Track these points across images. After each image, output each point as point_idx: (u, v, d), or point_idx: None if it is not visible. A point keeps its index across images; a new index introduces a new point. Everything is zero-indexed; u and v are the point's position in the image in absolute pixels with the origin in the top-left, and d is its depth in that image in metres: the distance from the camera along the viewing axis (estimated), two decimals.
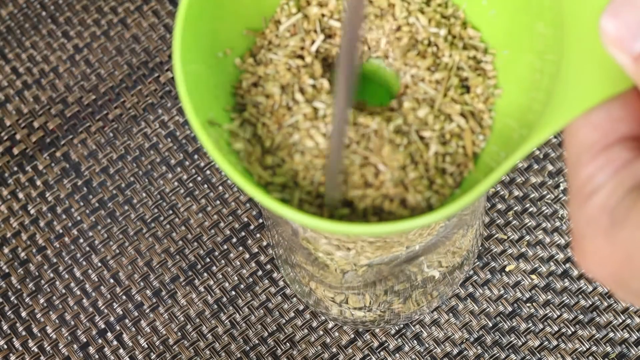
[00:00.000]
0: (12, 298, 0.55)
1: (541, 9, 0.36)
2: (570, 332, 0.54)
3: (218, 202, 0.56)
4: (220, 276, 0.55)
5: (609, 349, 0.53)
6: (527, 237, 0.55)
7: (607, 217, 0.29)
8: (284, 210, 0.34)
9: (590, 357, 0.53)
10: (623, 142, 0.30)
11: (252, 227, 0.56)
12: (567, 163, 0.31)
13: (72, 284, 0.55)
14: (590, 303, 0.54)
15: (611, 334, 0.54)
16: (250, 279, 0.55)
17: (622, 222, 0.28)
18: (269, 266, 0.55)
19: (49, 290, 0.55)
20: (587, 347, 0.53)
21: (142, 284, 0.55)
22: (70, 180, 0.57)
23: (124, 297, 0.55)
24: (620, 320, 0.54)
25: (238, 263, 0.55)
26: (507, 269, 0.55)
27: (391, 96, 0.41)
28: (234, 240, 0.56)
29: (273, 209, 0.34)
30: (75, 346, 0.54)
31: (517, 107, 0.37)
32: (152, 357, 0.54)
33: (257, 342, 0.54)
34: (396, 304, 0.51)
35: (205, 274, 0.55)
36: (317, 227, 0.35)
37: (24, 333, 0.54)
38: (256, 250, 0.55)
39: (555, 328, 0.54)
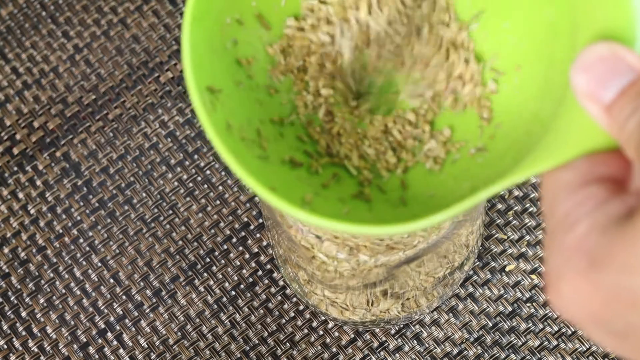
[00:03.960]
0: (12, 298, 0.55)
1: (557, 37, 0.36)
2: (570, 332, 0.54)
3: (218, 202, 0.56)
4: (220, 276, 0.55)
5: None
6: (527, 237, 0.55)
7: (585, 257, 0.29)
8: (272, 198, 0.34)
9: (590, 357, 0.53)
10: (600, 182, 0.30)
11: (252, 227, 0.56)
12: (544, 203, 0.31)
13: (72, 284, 0.55)
14: None
15: None
16: (250, 279, 0.55)
17: (602, 263, 0.28)
18: (269, 266, 0.55)
19: (49, 290, 0.55)
20: (587, 347, 0.53)
21: (142, 284, 0.55)
22: (70, 180, 0.57)
23: (124, 297, 0.55)
24: None
25: (238, 263, 0.55)
26: (507, 269, 0.55)
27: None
28: (234, 240, 0.56)
29: (261, 195, 0.34)
30: (75, 346, 0.54)
31: (515, 142, 0.37)
32: (152, 357, 0.54)
33: (257, 342, 0.54)
34: (396, 304, 0.50)
35: (205, 274, 0.55)
36: (301, 218, 0.35)
37: (24, 333, 0.54)
38: (256, 250, 0.55)
39: (555, 328, 0.54)
